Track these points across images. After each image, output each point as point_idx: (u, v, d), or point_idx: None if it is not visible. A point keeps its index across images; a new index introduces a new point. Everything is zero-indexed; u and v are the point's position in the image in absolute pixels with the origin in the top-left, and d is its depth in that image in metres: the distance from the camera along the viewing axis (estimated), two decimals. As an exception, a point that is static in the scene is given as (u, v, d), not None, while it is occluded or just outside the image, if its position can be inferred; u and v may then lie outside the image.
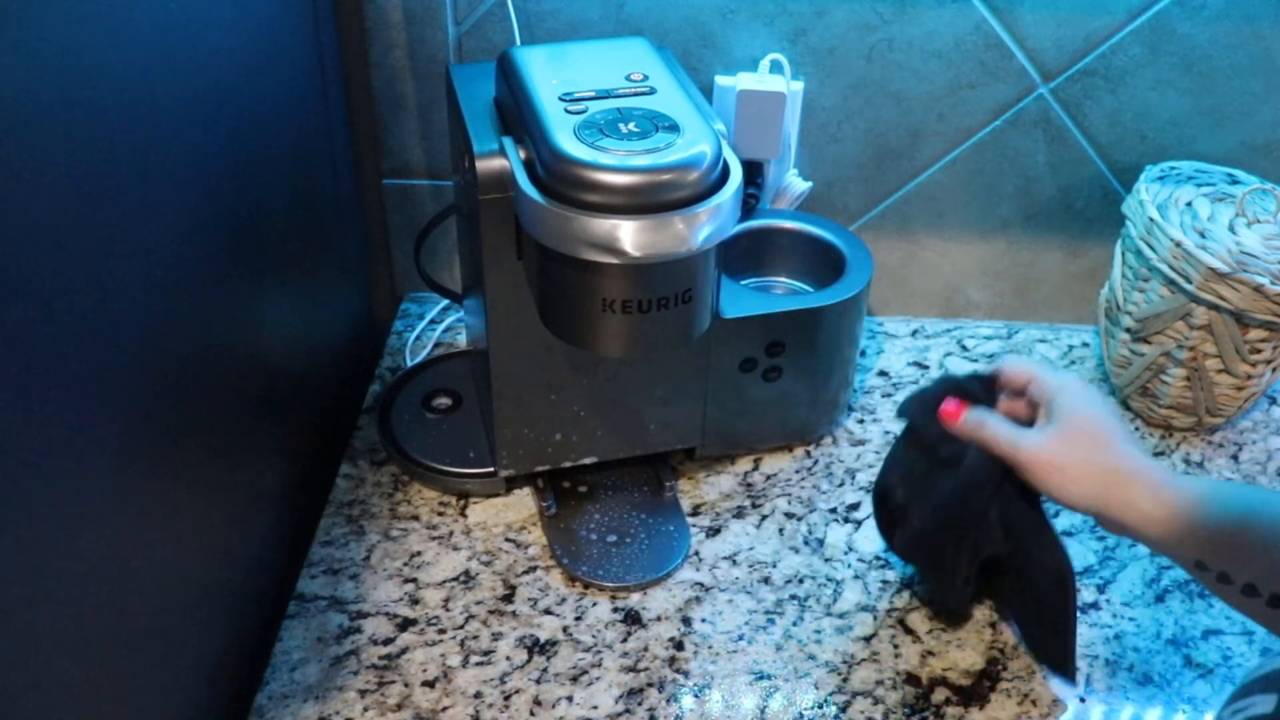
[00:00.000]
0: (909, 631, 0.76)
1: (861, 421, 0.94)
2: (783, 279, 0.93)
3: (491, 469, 0.83)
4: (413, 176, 0.97)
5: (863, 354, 1.00)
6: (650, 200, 0.61)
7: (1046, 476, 0.65)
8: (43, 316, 0.46)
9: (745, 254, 0.91)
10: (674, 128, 0.64)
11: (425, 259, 0.90)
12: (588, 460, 0.84)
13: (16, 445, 0.44)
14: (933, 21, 0.89)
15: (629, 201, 0.60)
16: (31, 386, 0.45)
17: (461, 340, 1.00)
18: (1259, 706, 0.35)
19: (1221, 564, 0.60)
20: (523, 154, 0.66)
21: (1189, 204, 0.88)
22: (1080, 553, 0.82)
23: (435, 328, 1.01)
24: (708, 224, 0.62)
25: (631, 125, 0.64)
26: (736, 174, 0.64)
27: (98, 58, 0.50)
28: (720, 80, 0.91)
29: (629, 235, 0.60)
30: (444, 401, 0.89)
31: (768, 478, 0.88)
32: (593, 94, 0.67)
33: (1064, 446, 0.65)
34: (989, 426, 0.67)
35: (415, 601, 0.77)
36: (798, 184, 0.95)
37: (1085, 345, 1.03)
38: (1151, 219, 0.87)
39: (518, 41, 0.89)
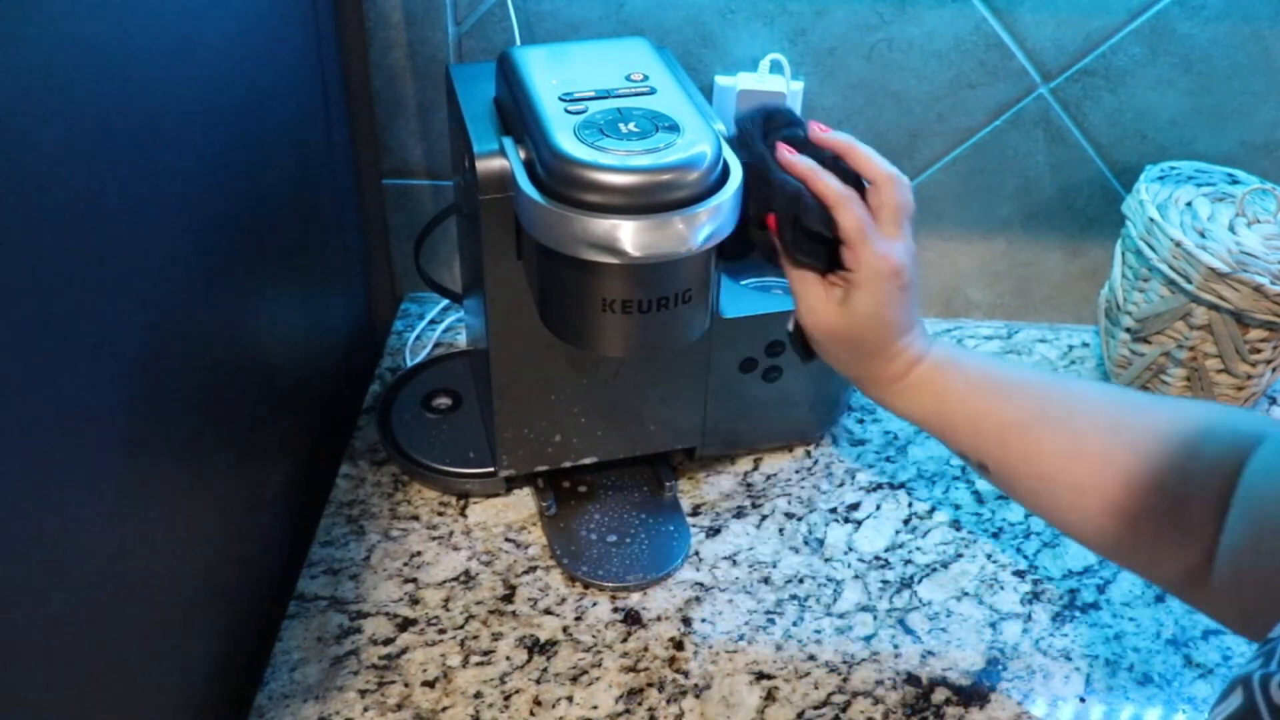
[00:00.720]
0: (909, 631, 0.76)
1: (861, 421, 0.94)
2: (783, 279, 0.93)
3: (491, 469, 0.83)
4: (413, 176, 0.97)
5: (863, 354, 1.00)
6: (650, 200, 0.61)
7: (818, 348, 0.70)
8: (43, 317, 0.46)
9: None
10: (674, 128, 0.64)
11: (425, 259, 0.90)
12: (588, 460, 0.84)
13: (17, 445, 0.44)
14: (933, 21, 0.89)
15: (629, 201, 0.60)
16: (32, 387, 0.45)
17: (461, 340, 1.00)
18: (1232, 704, 0.37)
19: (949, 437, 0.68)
20: (523, 154, 0.66)
21: (1189, 204, 0.88)
22: (1080, 552, 0.82)
23: (435, 328, 1.01)
24: (708, 224, 0.62)
25: (631, 125, 0.63)
26: (736, 174, 0.64)
27: (97, 58, 0.50)
28: (720, 80, 0.91)
29: (629, 235, 0.60)
30: (444, 401, 0.89)
31: (768, 478, 0.88)
32: (593, 94, 0.67)
33: (842, 350, 0.69)
34: (802, 289, 0.69)
35: (415, 601, 0.77)
36: (798, 184, 0.95)
37: (1085, 345, 1.03)
38: (1151, 219, 0.87)
39: (518, 42, 0.89)
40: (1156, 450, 0.60)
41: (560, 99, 0.66)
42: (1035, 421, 0.66)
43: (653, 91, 0.68)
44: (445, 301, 1.02)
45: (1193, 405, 0.65)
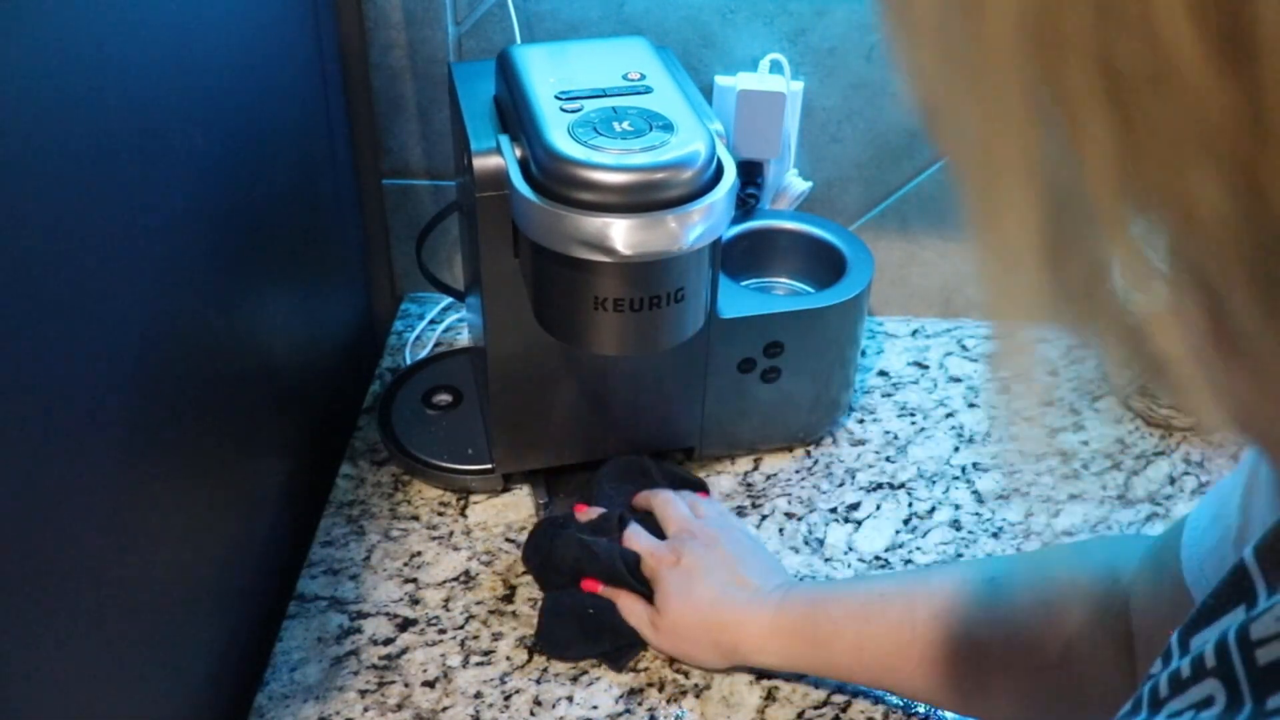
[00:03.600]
0: (909, 631, 0.76)
1: (861, 421, 0.94)
2: (784, 280, 0.93)
3: (489, 465, 0.83)
4: (413, 176, 0.97)
5: (862, 354, 1.00)
6: (643, 199, 0.61)
7: (674, 656, 0.73)
8: (44, 316, 0.46)
9: (746, 255, 0.90)
10: (668, 127, 0.64)
11: (425, 258, 0.89)
12: (584, 458, 0.84)
13: (18, 445, 0.44)
14: (932, 21, 0.89)
15: (621, 200, 0.60)
16: (32, 386, 0.45)
17: (462, 339, 1.00)
18: None
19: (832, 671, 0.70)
20: (518, 152, 0.66)
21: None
22: (1080, 552, 0.82)
23: (435, 327, 1.01)
24: (700, 223, 0.62)
25: (626, 124, 0.63)
26: (730, 173, 0.64)
27: (98, 58, 0.50)
28: (720, 80, 0.91)
29: (620, 234, 0.60)
30: (444, 398, 0.89)
31: (768, 477, 0.88)
32: (589, 93, 0.67)
33: (672, 642, 0.72)
34: (625, 610, 0.74)
35: (415, 601, 0.77)
36: (798, 184, 0.95)
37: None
38: (1152, 218, 0.86)
39: (518, 41, 0.89)
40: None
41: (556, 97, 0.66)
42: (911, 638, 0.65)
43: (649, 91, 0.68)
44: (445, 301, 1.02)
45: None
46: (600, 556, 0.74)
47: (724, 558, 0.74)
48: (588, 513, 0.80)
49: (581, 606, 0.74)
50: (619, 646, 0.73)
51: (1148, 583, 0.55)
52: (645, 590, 0.74)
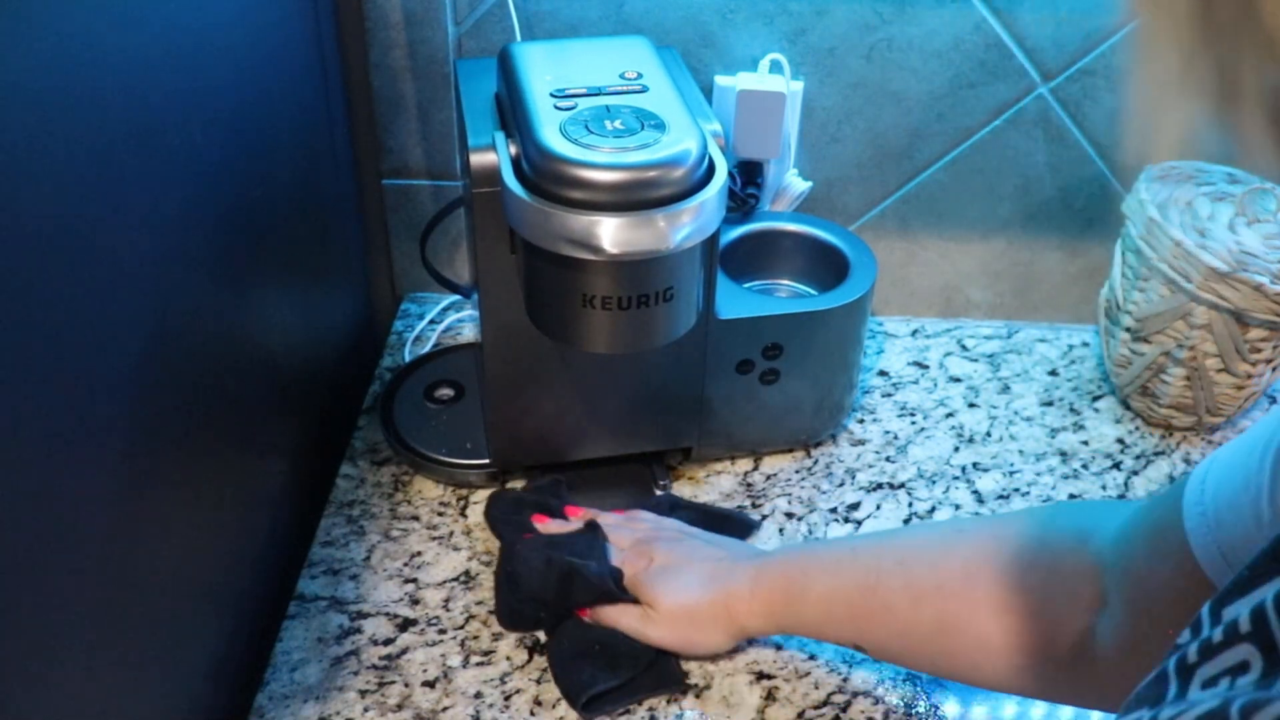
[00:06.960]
0: (909, 631, 0.76)
1: (861, 421, 0.94)
2: (786, 282, 0.93)
3: (487, 461, 0.83)
4: (413, 177, 0.97)
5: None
6: (631, 197, 0.61)
7: (678, 648, 0.72)
8: (44, 316, 0.46)
9: (749, 256, 0.90)
10: (660, 125, 0.64)
11: (431, 254, 0.89)
12: (580, 456, 0.84)
13: (19, 445, 0.44)
14: (933, 21, 0.89)
15: (610, 198, 0.60)
16: (33, 386, 0.45)
17: (464, 337, 1.00)
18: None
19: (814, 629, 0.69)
20: (513, 149, 0.66)
21: (1189, 203, 0.88)
22: (1080, 552, 0.82)
23: (435, 327, 1.01)
24: (689, 223, 0.62)
25: (618, 123, 0.63)
26: (721, 173, 0.64)
27: (99, 58, 0.50)
28: (720, 80, 0.91)
29: (608, 232, 0.60)
30: (446, 393, 0.89)
31: (768, 478, 0.88)
32: (584, 91, 0.67)
33: (673, 630, 0.71)
34: (616, 618, 0.73)
35: (415, 601, 0.77)
36: (798, 184, 0.95)
37: (1085, 345, 1.03)
38: (1151, 218, 0.87)
39: (518, 41, 0.89)
40: (1005, 565, 0.60)
41: (551, 95, 0.66)
42: (875, 584, 0.65)
43: (644, 90, 0.68)
44: (445, 301, 1.02)
45: (1007, 524, 0.65)
46: (592, 580, 0.72)
47: (696, 544, 0.75)
48: (547, 525, 0.79)
49: (587, 644, 0.72)
50: (649, 665, 0.71)
51: (1144, 547, 0.54)
52: (633, 600, 0.73)
